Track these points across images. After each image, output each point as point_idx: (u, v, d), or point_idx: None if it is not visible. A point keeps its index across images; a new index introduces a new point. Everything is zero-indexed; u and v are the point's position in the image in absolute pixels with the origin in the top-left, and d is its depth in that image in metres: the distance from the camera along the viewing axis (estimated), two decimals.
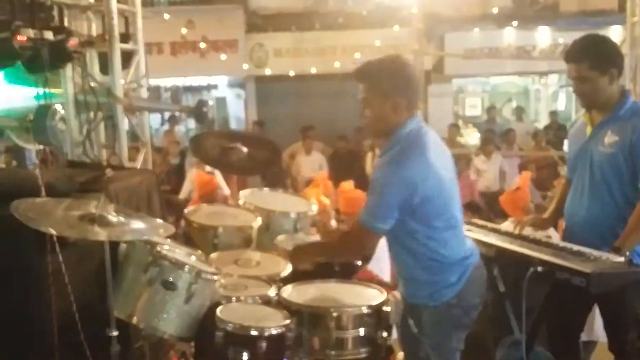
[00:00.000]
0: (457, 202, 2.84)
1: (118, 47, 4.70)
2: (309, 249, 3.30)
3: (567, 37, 12.30)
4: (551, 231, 3.97)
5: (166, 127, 12.97)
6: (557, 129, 12.75)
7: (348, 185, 5.00)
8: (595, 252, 2.89)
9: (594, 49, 3.21)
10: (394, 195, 2.66)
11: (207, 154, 4.32)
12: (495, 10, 12.16)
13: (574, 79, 3.18)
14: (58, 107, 2.80)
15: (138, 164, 4.98)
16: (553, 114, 13.88)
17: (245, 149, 4.05)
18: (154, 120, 12.88)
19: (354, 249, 3.01)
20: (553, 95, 15.96)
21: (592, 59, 3.12)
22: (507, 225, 4.82)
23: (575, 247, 2.99)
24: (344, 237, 3.19)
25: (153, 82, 5.80)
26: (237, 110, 15.01)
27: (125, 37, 4.90)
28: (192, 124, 14.84)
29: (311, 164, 10.39)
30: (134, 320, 2.97)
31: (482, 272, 2.90)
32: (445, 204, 2.76)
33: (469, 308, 2.82)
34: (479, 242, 3.27)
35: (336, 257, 3.19)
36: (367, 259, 3.73)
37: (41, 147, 3.34)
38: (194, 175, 7.57)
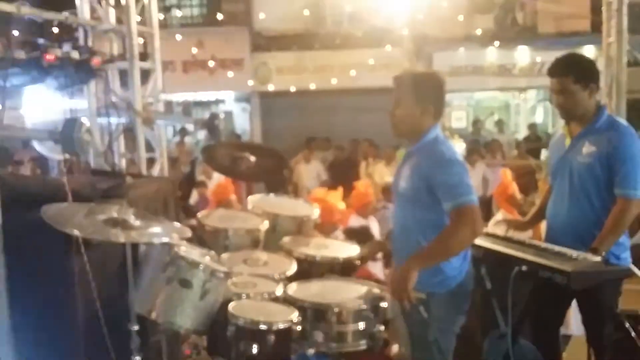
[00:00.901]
0: None
1: (137, 65, 4.72)
2: (429, 254, 2.83)
3: (545, 56, 12.37)
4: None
5: (177, 138, 12.97)
6: (535, 140, 12.79)
7: (320, 192, 4.88)
8: (574, 253, 2.89)
9: (578, 65, 3.24)
10: (466, 175, 2.81)
11: (218, 162, 4.33)
12: (478, 32, 12.21)
13: (557, 92, 3.18)
14: (84, 120, 2.80)
15: (155, 173, 4.99)
16: (532, 126, 13.91)
17: (253, 158, 4.06)
18: (166, 132, 12.87)
19: (471, 229, 2.75)
20: (532, 109, 15.98)
21: (576, 74, 3.13)
22: (499, 216, 4.86)
23: (557, 248, 2.99)
24: (454, 225, 2.77)
25: (166, 97, 5.80)
26: (243, 123, 15.03)
27: (143, 56, 4.92)
28: (201, 135, 14.85)
29: (310, 172, 10.39)
30: (153, 315, 2.97)
31: (472, 266, 3.00)
32: None
33: (466, 295, 2.93)
34: None
35: (454, 249, 2.80)
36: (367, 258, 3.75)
37: (67, 156, 3.33)
38: (213, 188, 7.52)
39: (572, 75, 3.13)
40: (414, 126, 2.92)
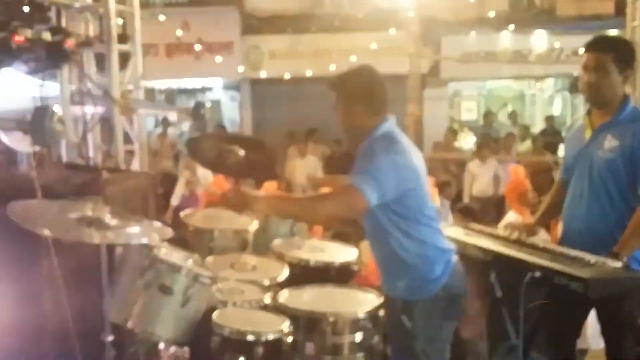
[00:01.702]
0: (431, 199, 2.98)
1: (116, 48, 4.71)
2: (278, 198, 3.06)
3: (564, 42, 12.38)
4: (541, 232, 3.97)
5: (159, 130, 12.94)
6: (552, 134, 12.80)
7: (270, 185, 4.89)
8: (593, 257, 2.89)
9: (621, 45, 3.27)
10: (388, 170, 2.75)
11: (203, 156, 4.31)
12: (492, 14, 12.20)
13: (591, 68, 3.14)
14: (56, 108, 2.79)
15: (134, 167, 4.98)
16: (549, 118, 13.92)
17: (242, 152, 4.04)
18: (147, 122, 12.85)
19: (340, 204, 2.83)
20: (549, 100, 16.01)
21: (617, 53, 3.13)
22: (509, 218, 4.86)
23: (573, 252, 2.99)
24: (332, 193, 3.06)
25: (147, 84, 5.79)
26: (232, 113, 15.01)
27: (122, 38, 4.90)
28: (185, 126, 14.81)
29: (305, 167, 10.38)
30: (130, 324, 2.97)
31: (460, 264, 2.99)
32: (425, 198, 2.89)
33: (455, 298, 2.90)
34: (476, 248, 3.28)
35: (317, 210, 2.90)
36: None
37: (37, 148, 3.33)
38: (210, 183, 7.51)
39: (613, 53, 3.12)
40: (360, 129, 2.94)
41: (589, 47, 3.20)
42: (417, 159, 2.91)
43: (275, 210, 2.89)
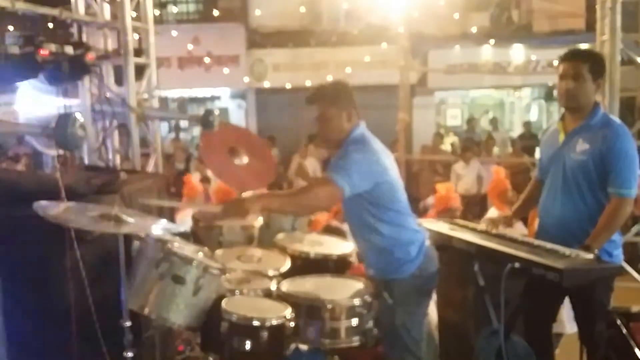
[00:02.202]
0: (404, 194, 3.05)
1: (132, 60, 4.70)
2: (266, 197, 3.02)
3: (540, 55, 12.39)
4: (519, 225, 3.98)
5: (172, 135, 12.93)
6: (529, 138, 12.80)
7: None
8: (567, 250, 2.89)
9: (595, 57, 3.30)
10: (358, 164, 2.83)
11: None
12: (474, 30, 12.20)
13: (569, 76, 3.15)
14: (78, 115, 2.78)
15: (149, 169, 4.97)
16: (526, 124, 13.93)
17: (247, 160, 4.01)
18: (160, 128, 12.85)
19: (318, 195, 2.85)
20: (526, 107, 16.02)
21: (592, 64, 3.15)
22: (491, 214, 4.87)
23: (549, 245, 2.98)
24: (309, 185, 3.18)
25: (161, 93, 5.77)
26: (238, 120, 14.99)
27: (138, 52, 4.89)
28: (196, 132, 14.82)
29: (307, 169, 10.37)
30: (146, 311, 2.96)
31: (432, 247, 3.11)
32: (395, 189, 2.97)
33: (430, 276, 3.04)
34: (461, 240, 3.28)
35: (300, 202, 2.90)
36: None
37: (61, 152, 3.32)
38: (214, 189, 7.51)
39: (588, 63, 3.14)
40: (343, 133, 3.00)
41: (567, 57, 3.21)
42: (386, 157, 3.01)
43: (267, 207, 2.91)
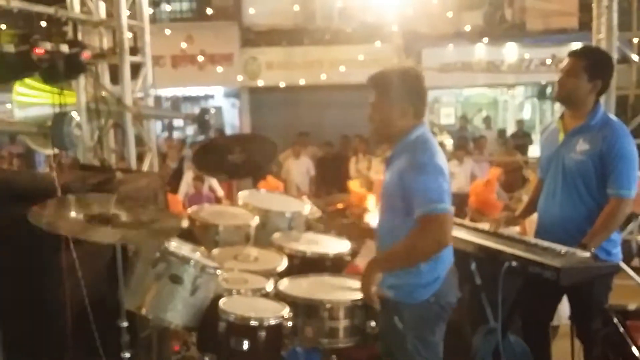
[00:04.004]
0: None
1: (128, 59, 4.68)
2: (390, 258, 2.75)
3: (533, 53, 12.43)
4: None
5: (165, 134, 12.90)
6: (522, 136, 12.85)
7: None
8: (564, 248, 2.89)
9: (595, 55, 3.28)
10: (436, 180, 2.57)
11: (208, 167, 4.27)
12: (467, 28, 12.22)
13: (564, 70, 3.17)
14: (74, 114, 2.76)
15: (144, 168, 4.95)
16: (519, 122, 13.98)
17: (242, 157, 3.98)
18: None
19: (434, 239, 2.57)
20: (519, 106, 16.06)
21: (589, 62, 3.13)
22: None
23: (546, 244, 2.99)
24: (417, 235, 2.61)
25: (154, 92, 5.75)
26: (232, 118, 14.98)
27: (133, 51, 4.87)
28: (190, 130, 14.79)
29: (300, 167, 10.36)
30: (143, 311, 2.93)
31: (454, 274, 2.81)
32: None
33: (446, 305, 2.75)
34: (458, 239, 3.27)
35: (418, 255, 2.63)
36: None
37: (57, 151, 3.29)
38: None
39: (585, 60, 3.14)
40: (395, 130, 2.71)
41: (570, 53, 3.24)
42: (445, 160, 2.73)
43: (388, 269, 2.69)
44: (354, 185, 6.30)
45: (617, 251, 3.17)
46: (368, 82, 2.75)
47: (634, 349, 2.50)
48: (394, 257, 2.71)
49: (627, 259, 5.07)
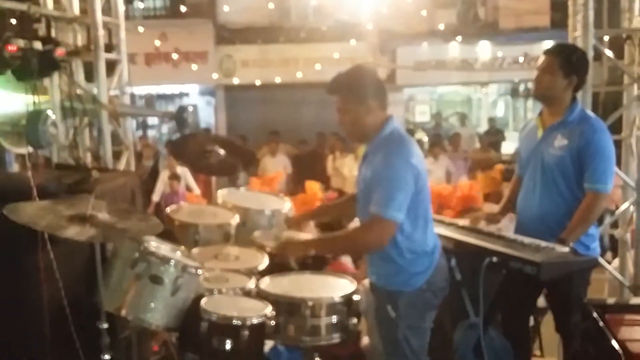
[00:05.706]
0: (429, 196, 2.84)
1: (103, 56, 4.59)
2: (333, 241, 2.99)
3: (506, 51, 12.58)
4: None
5: (139, 132, 12.73)
6: (495, 133, 12.99)
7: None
8: (543, 243, 2.92)
9: (570, 53, 3.27)
10: (405, 185, 2.63)
11: (185, 156, 4.24)
12: (441, 27, 12.31)
13: (540, 68, 3.20)
14: (49, 112, 2.69)
15: (121, 167, 4.86)
16: (492, 120, 14.13)
17: (222, 152, 3.97)
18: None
19: (374, 240, 2.71)
20: (493, 104, 16.24)
21: (564, 59, 3.16)
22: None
23: (526, 239, 3.01)
24: (361, 230, 2.84)
25: (129, 90, 5.66)
26: (208, 117, 14.84)
27: (108, 48, 4.79)
28: (164, 129, 14.64)
29: (276, 165, 10.31)
30: (123, 312, 2.88)
31: (444, 259, 2.92)
32: (427, 198, 2.79)
33: (438, 291, 2.83)
34: (438, 236, 3.28)
35: (355, 249, 2.88)
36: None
37: (31, 150, 3.22)
38: (187, 199, 7.48)
39: (560, 57, 3.16)
40: (366, 127, 2.76)
41: (545, 51, 3.28)
42: (422, 157, 2.79)
43: (323, 250, 2.90)
44: (314, 186, 6.40)
45: (596, 245, 3.21)
46: (328, 90, 2.80)
47: (614, 342, 2.52)
48: (336, 242, 2.99)
49: (601, 254, 5.13)
